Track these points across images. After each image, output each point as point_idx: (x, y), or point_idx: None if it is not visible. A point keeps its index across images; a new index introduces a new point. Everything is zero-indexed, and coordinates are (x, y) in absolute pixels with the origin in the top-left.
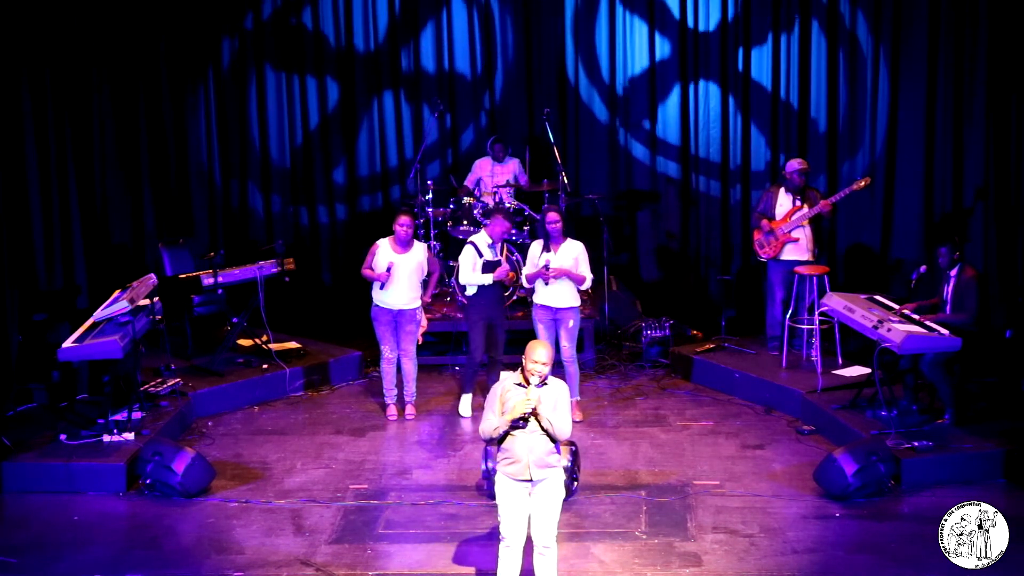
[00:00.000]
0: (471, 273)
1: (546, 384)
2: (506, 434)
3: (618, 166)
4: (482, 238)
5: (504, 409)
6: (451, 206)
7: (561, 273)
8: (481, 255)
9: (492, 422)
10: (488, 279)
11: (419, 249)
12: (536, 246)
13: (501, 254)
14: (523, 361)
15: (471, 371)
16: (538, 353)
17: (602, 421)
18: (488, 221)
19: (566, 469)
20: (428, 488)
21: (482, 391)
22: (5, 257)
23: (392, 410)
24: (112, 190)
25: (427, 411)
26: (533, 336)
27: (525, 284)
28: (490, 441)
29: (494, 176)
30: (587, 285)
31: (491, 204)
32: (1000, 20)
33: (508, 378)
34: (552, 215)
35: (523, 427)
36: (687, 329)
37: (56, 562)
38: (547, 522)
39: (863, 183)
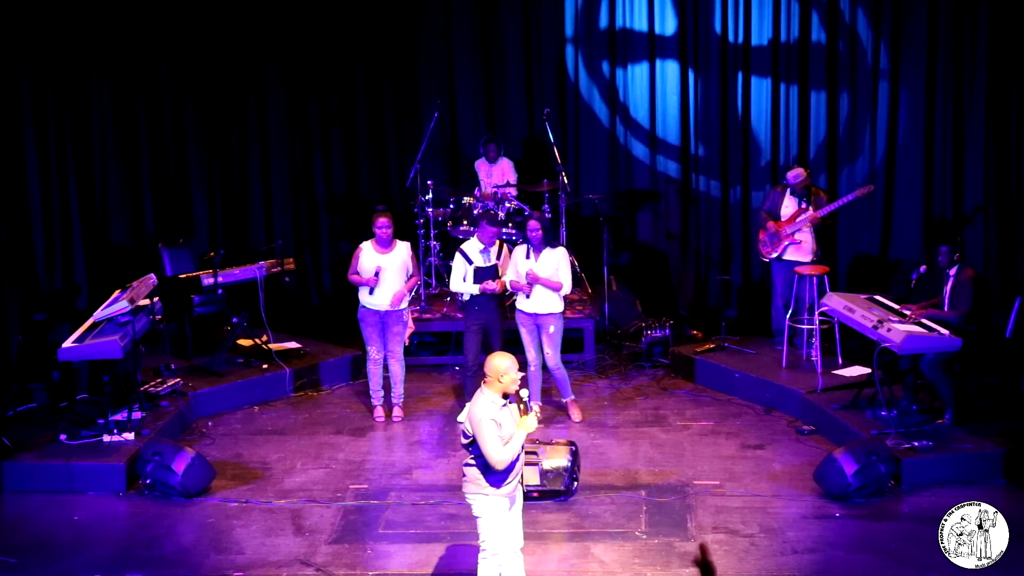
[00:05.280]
0: (461, 282)
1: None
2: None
3: (618, 166)
4: (473, 244)
5: (503, 433)
6: (451, 206)
7: (536, 280)
8: (471, 262)
9: (510, 448)
10: (475, 289)
11: (402, 248)
12: (520, 251)
13: (499, 257)
14: (495, 381)
15: (468, 378)
16: (509, 368)
17: (602, 421)
18: (475, 228)
19: (566, 469)
20: (428, 488)
21: None
22: (5, 257)
23: (379, 411)
24: (112, 190)
25: (427, 411)
26: None
27: (509, 289)
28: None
29: (492, 176)
30: (564, 291)
31: (492, 204)
32: (1000, 19)
33: (487, 400)
34: (532, 223)
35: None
36: (687, 329)
37: (56, 562)
38: (520, 525)
39: (864, 191)
